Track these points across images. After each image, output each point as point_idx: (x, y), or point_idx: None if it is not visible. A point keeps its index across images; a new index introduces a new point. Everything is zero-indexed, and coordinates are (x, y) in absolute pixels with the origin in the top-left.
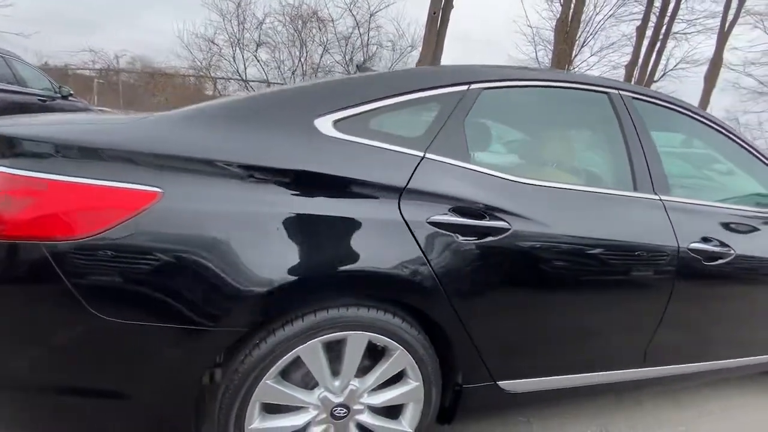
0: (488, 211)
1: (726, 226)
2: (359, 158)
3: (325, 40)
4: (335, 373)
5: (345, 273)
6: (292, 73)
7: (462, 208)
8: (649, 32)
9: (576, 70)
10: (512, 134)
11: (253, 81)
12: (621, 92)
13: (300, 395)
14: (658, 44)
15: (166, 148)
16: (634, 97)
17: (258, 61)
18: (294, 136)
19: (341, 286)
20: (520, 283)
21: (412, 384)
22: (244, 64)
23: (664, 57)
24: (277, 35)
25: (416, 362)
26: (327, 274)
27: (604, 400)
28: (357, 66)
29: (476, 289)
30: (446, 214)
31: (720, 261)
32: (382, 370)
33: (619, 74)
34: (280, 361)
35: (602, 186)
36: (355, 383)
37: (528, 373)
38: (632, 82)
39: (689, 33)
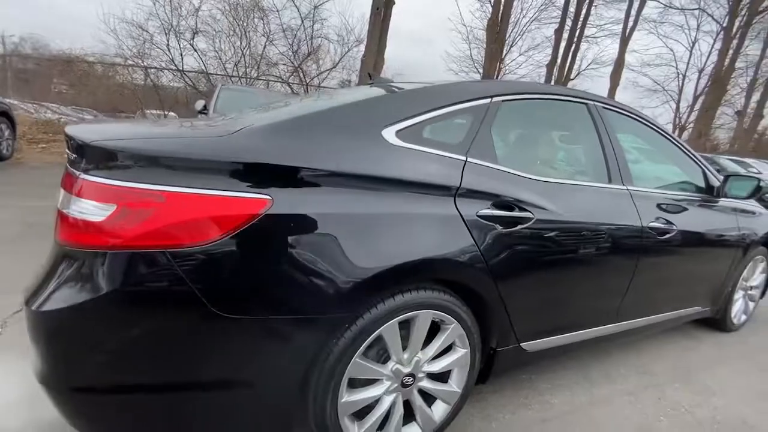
0: (517, 204)
1: (667, 208)
2: (420, 163)
3: (268, 30)
4: (405, 347)
5: (419, 261)
6: (235, 65)
7: (499, 202)
8: (565, 35)
9: (506, 68)
10: (524, 138)
11: (190, 72)
12: (596, 103)
13: (379, 368)
14: (573, 46)
15: (268, 158)
16: (604, 107)
17: (195, 50)
18: (367, 146)
19: (415, 273)
20: (540, 260)
21: (461, 351)
22: (181, 53)
23: (578, 58)
24: (216, 23)
25: (465, 333)
26: (405, 264)
27: (583, 354)
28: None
29: (510, 268)
30: (489, 208)
31: (667, 235)
32: (441, 341)
33: (542, 73)
34: (367, 340)
35: (589, 180)
36: (419, 355)
37: (541, 334)
38: (552, 81)
39: (598, 37)
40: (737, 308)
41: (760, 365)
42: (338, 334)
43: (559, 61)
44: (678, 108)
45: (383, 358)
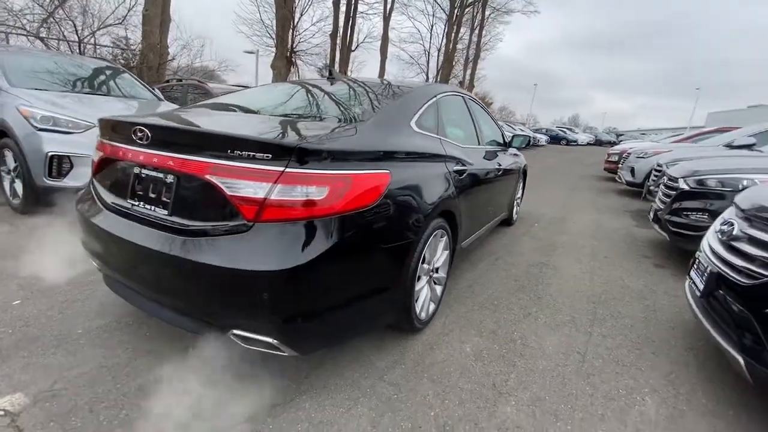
0: (462, 161)
1: (498, 155)
2: (427, 141)
3: None
4: (433, 253)
5: (439, 200)
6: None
7: (457, 161)
8: (343, 8)
9: (300, 36)
10: (451, 120)
11: None
12: (465, 95)
13: (426, 267)
14: (351, 20)
15: (384, 147)
16: (469, 98)
17: None
18: (409, 133)
19: (437, 207)
20: (469, 191)
21: (445, 253)
22: None
23: (356, 32)
24: None
25: (448, 241)
26: (436, 202)
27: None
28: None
29: (461, 198)
30: (456, 165)
31: (502, 170)
32: (441, 248)
33: (327, 42)
34: (424, 250)
35: (475, 144)
36: (437, 257)
37: (468, 236)
38: (336, 51)
39: (369, 13)
40: (515, 211)
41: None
42: (416, 250)
43: (341, 32)
44: (428, 79)
45: (425, 261)
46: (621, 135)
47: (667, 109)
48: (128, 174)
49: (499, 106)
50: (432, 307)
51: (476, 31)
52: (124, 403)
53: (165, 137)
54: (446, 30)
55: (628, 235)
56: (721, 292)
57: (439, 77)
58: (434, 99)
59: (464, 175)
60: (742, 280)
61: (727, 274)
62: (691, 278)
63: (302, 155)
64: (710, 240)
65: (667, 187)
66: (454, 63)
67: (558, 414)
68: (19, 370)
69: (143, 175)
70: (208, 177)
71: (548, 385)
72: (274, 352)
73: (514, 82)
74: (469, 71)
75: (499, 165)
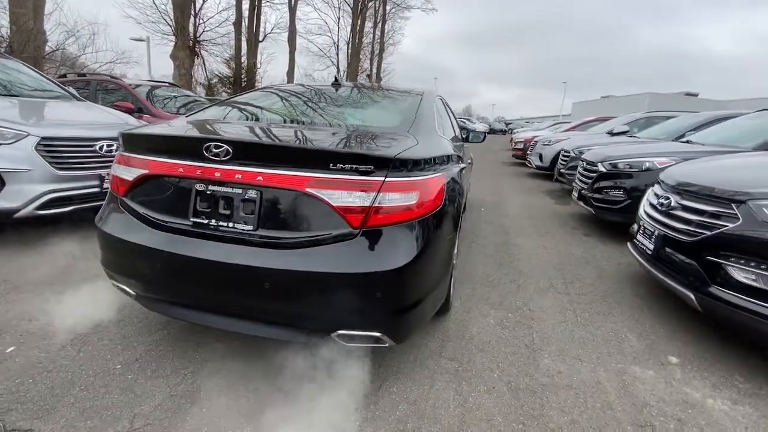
0: (461, 159)
1: (463, 149)
2: (444, 143)
3: None
4: None
5: (462, 195)
6: None
7: (458, 158)
8: None
9: (204, 25)
10: (444, 122)
11: None
12: (438, 97)
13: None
14: (256, 9)
15: (432, 152)
16: (440, 99)
17: None
18: (438, 138)
19: (463, 201)
20: (458, 175)
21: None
22: None
23: (263, 21)
24: None
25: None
26: (464, 195)
27: None
28: (336, 78)
29: (457, 186)
30: (459, 163)
31: (471, 163)
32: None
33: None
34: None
35: (454, 139)
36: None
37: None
38: (243, 41)
39: (276, 2)
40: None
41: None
42: (455, 240)
43: (246, 21)
44: (338, 71)
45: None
46: (509, 123)
47: (541, 99)
48: (186, 191)
49: None
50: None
51: (379, 26)
52: (231, 425)
53: (251, 153)
54: (353, 22)
55: (553, 212)
56: (668, 249)
57: (348, 70)
58: (434, 103)
59: (462, 171)
60: (685, 238)
61: (673, 235)
62: (638, 241)
63: (397, 165)
64: (649, 211)
65: (586, 170)
66: (361, 56)
67: (581, 357)
68: (77, 416)
69: (209, 192)
70: (308, 190)
71: (564, 338)
72: (376, 345)
73: (416, 75)
74: (375, 64)
75: (470, 159)
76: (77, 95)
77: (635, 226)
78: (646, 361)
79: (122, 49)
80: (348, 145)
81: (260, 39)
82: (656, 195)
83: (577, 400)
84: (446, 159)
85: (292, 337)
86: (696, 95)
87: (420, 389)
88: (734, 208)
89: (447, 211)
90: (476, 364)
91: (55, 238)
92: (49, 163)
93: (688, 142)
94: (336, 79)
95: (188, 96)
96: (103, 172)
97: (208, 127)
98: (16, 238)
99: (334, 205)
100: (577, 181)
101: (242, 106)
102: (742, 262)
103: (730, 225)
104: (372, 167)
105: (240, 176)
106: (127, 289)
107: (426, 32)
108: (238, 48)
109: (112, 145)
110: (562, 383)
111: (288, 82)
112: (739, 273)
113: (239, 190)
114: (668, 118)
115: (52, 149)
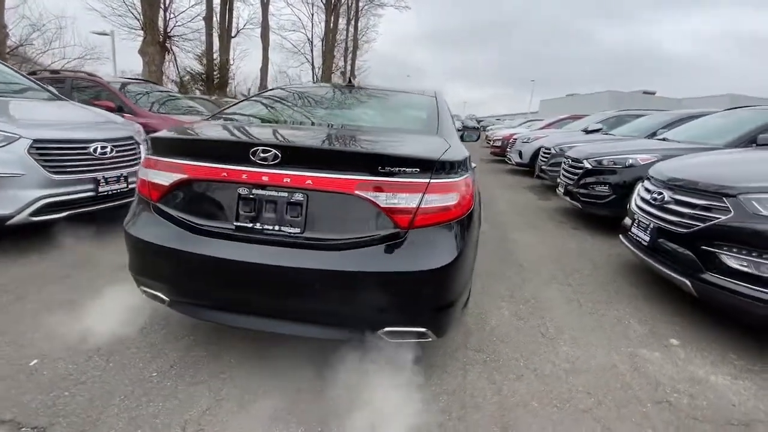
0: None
1: None
2: (463, 145)
3: None
4: None
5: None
6: None
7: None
8: None
9: (175, 19)
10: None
11: None
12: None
13: None
14: (228, 4)
15: (462, 154)
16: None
17: None
18: (458, 139)
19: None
20: None
21: None
22: None
23: (235, 17)
24: None
25: None
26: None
27: None
28: (350, 80)
29: None
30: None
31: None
32: None
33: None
34: None
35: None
36: None
37: None
38: (213, 36)
39: None
40: None
41: None
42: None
43: (217, 17)
44: (313, 68)
45: None
46: (481, 121)
47: (510, 97)
48: (229, 195)
49: None
50: None
51: (353, 23)
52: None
53: (300, 157)
54: (326, 18)
55: (538, 207)
56: (664, 240)
57: (324, 67)
58: (445, 103)
59: (475, 169)
60: (680, 230)
61: (668, 227)
62: (633, 234)
63: (441, 167)
64: (643, 205)
65: (571, 167)
66: (336, 53)
67: (593, 343)
68: (126, 426)
69: (253, 196)
70: (357, 193)
71: (575, 325)
72: (419, 340)
73: (390, 73)
74: (350, 62)
75: None
76: (58, 94)
77: (628, 220)
78: (651, 344)
79: (92, 45)
80: (394, 148)
81: (233, 35)
82: (648, 190)
83: (599, 382)
84: (469, 159)
85: (339, 336)
86: (653, 93)
87: (455, 380)
88: (726, 201)
89: (476, 210)
90: (501, 354)
91: (48, 245)
92: (43, 166)
93: (664, 139)
94: (350, 81)
95: (170, 95)
96: (98, 175)
97: (248, 130)
98: (10, 246)
99: (382, 206)
100: (562, 177)
101: (266, 106)
102: (735, 250)
103: (723, 217)
104: (418, 169)
105: (288, 180)
106: (161, 295)
107: (399, 30)
108: (209, 44)
109: (107, 147)
110: (582, 367)
111: (261, 79)
112: (732, 260)
113: (285, 194)
114: (638, 116)
115: (46, 152)
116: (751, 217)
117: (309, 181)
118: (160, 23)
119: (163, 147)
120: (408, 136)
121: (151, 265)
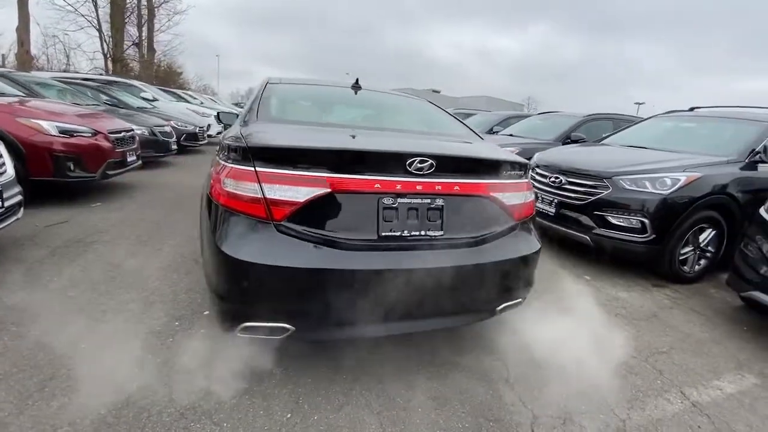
0: None
1: None
2: None
3: None
4: None
5: None
6: None
7: None
8: None
9: None
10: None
11: None
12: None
13: None
14: None
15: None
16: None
17: None
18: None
19: None
20: None
21: None
22: None
23: None
24: None
25: None
26: None
27: None
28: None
29: None
30: None
31: None
32: None
33: None
34: None
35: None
36: None
37: None
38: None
39: None
40: None
41: None
42: None
43: None
44: (102, 35)
45: None
46: None
47: None
48: (371, 205)
49: (193, 76)
50: None
51: None
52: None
53: (451, 165)
54: None
55: None
56: (565, 210)
57: (115, 36)
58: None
59: None
60: (577, 202)
61: (568, 201)
62: (539, 208)
63: (528, 169)
64: (544, 187)
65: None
66: (126, 20)
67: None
68: None
69: (395, 205)
70: (492, 194)
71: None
72: (517, 307)
73: (196, 52)
74: (145, 33)
75: None
76: None
77: None
78: (576, 279)
79: None
80: (506, 155)
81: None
82: (544, 175)
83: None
84: None
85: (468, 321)
86: (439, 92)
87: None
88: (605, 182)
89: None
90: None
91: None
92: None
93: (511, 135)
94: (356, 81)
95: None
96: None
97: (389, 140)
98: None
99: (507, 204)
100: None
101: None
102: (615, 212)
103: (605, 192)
104: (522, 171)
105: (439, 187)
106: (284, 326)
107: (205, 3)
108: None
109: None
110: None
111: (21, 41)
112: (614, 219)
113: (428, 200)
114: (468, 116)
115: None
116: (623, 190)
117: (457, 188)
118: None
119: (290, 159)
120: (468, 141)
121: (277, 293)
